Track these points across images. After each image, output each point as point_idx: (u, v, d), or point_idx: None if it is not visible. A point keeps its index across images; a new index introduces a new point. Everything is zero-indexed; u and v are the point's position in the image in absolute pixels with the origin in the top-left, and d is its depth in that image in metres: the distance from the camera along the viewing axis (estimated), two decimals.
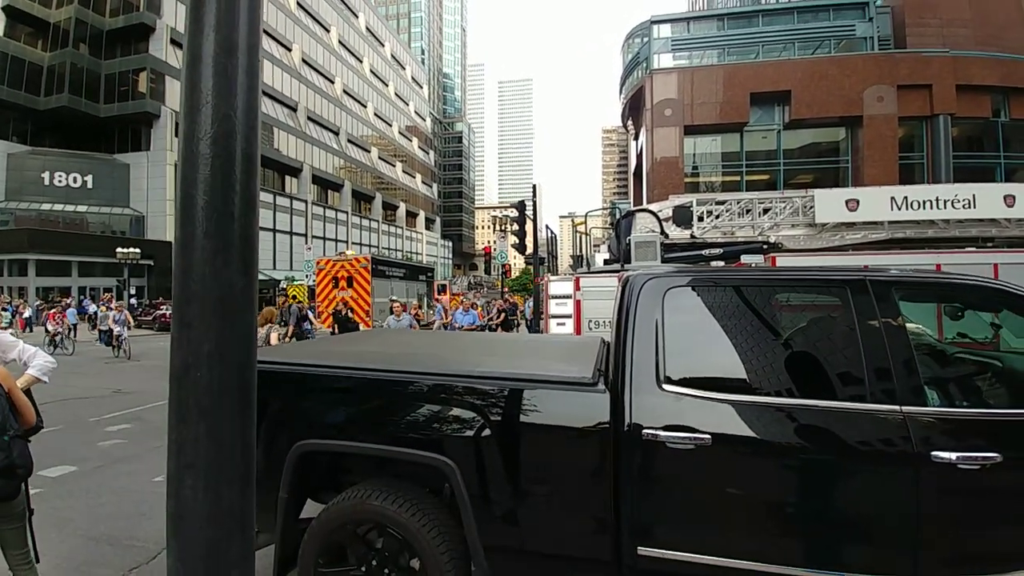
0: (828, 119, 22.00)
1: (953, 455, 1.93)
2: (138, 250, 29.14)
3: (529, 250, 13.98)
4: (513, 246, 14.01)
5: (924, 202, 8.31)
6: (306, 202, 49.00)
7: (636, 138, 29.72)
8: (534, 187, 16.38)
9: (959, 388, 2.47)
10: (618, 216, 8.78)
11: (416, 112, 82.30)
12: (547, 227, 16.46)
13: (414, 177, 79.24)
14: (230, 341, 1.01)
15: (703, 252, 8.52)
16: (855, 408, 2.07)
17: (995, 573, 1.95)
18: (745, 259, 8.20)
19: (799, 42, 24.38)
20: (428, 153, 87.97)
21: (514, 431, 2.26)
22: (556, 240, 16.52)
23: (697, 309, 2.37)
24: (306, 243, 38.73)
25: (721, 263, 8.60)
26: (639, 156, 27.58)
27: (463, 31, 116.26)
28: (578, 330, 7.67)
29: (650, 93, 22.96)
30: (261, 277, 39.83)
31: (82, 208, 35.37)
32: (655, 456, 2.14)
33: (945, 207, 8.24)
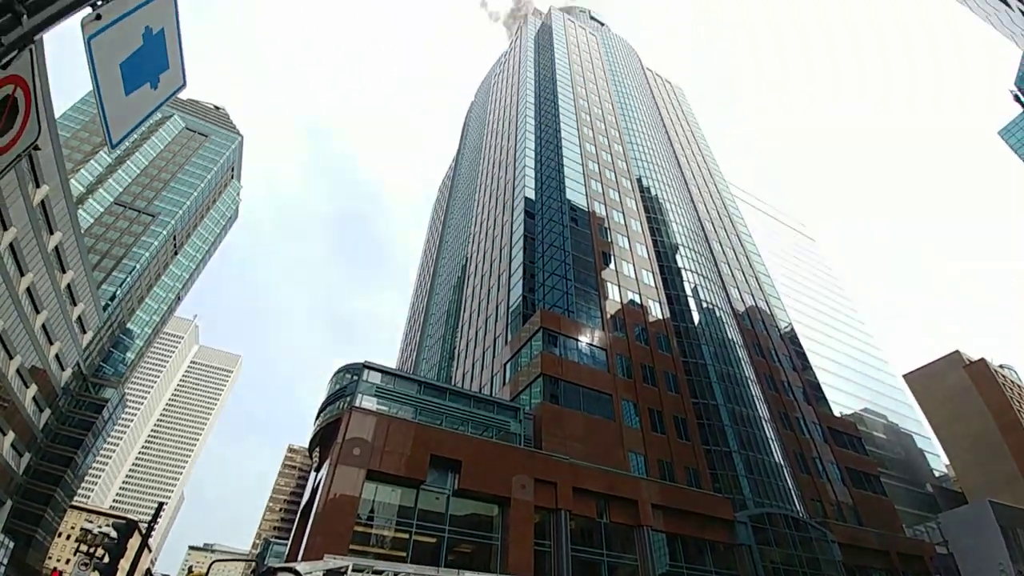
0: (486, 494, 24.91)
1: None
2: None
3: None
4: None
5: None
6: None
7: (317, 470, 27.79)
8: (160, 506, 12.43)
9: None
10: (257, 569, 6.83)
11: (58, 355, 63.81)
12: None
13: (4, 434, 54.56)
14: None
15: None
16: None
17: None
18: None
19: (472, 423, 29.52)
20: (42, 411, 64.53)
21: None
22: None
23: None
24: None
25: None
26: (314, 491, 25.19)
27: (178, 299, 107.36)
28: None
29: (345, 427, 23.04)
30: None
31: None
32: None
33: None
